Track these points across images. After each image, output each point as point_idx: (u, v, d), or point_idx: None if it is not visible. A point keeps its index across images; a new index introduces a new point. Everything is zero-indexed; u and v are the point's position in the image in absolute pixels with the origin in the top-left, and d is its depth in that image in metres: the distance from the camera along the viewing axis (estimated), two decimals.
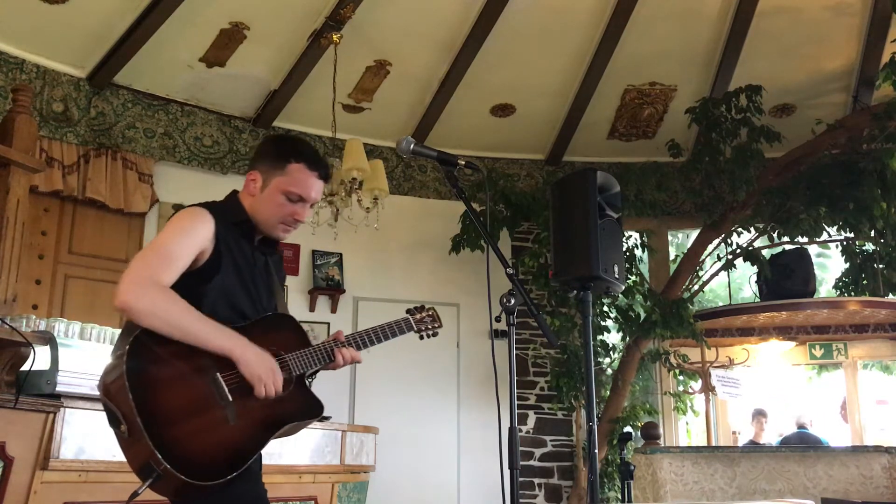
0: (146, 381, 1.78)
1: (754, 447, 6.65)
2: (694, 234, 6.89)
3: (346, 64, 5.82)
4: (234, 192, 2.19)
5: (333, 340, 2.18)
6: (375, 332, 2.27)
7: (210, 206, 2.07)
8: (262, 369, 1.91)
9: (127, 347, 1.80)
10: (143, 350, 1.81)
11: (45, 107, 5.50)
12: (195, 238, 1.97)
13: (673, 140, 6.40)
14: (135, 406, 1.74)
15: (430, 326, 2.43)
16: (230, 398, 1.87)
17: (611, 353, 6.35)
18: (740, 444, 7.24)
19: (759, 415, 7.28)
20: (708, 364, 6.46)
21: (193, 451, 1.78)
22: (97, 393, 2.87)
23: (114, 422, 1.81)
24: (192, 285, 1.94)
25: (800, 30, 6.04)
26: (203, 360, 1.87)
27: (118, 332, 3.27)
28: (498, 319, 2.12)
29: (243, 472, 1.83)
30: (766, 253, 6.46)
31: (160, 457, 1.71)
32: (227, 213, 2.09)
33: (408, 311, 2.43)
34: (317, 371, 2.15)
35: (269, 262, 2.19)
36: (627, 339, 6.36)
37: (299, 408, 2.03)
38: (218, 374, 1.88)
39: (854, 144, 6.15)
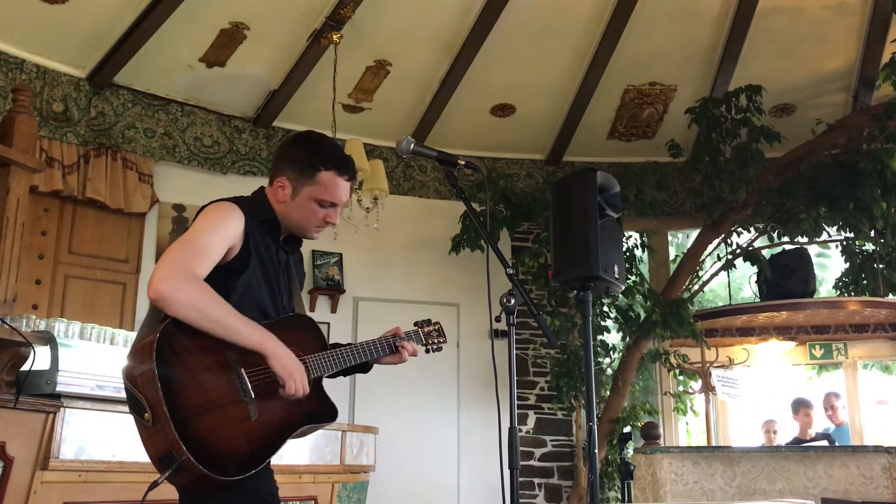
0: (174, 373, 1.79)
1: (761, 447, 6.62)
2: (694, 234, 6.89)
3: (346, 64, 5.82)
4: (262, 189, 2.19)
5: (394, 336, 2.30)
6: (387, 340, 2.29)
7: (239, 202, 2.08)
8: (294, 365, 1.95)
9: (157, 336, 1.80)
10: (172, 341, 1.82)
11: (45, 107, 5.50)
12: (227, 232, 1.99)
13: (673, 140, 6.39)
14: (163, 396, 1.74)
15: (436, 340, 2.45)
16: (252, 395, 1.88)
17: (611, 353, 6.35)
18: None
19: (802, 406, 6.52)
20: (708, 364, 6.46)
21: (215, 444, 1.79)
22: (97, 393, 2.90)
23: (137, 409, 1.81)
24: (219, 280, 1.94)
25: (800, 30, 6.04)
26: (228, 354, 1.89)
27: (118, 332, 3.30)
28: (498, 319, 2.12)
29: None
30: (766, 253, 6.45)
31: (184, 448, 1.72)
32: (256, 210, 2.10)
33: (416, 324, 2.45)
34: (345, 372, 2.25)
35: (290, 260, 2.22)
36: (627, 339, 6.36)
37: (316, 410, 2.05)
38: (242, 370, 1.89)
39: (854, 144, 6.15)
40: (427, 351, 2.44)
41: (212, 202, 2.07)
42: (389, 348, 2.28)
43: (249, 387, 1.88)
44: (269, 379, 1.93)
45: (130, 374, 1.84)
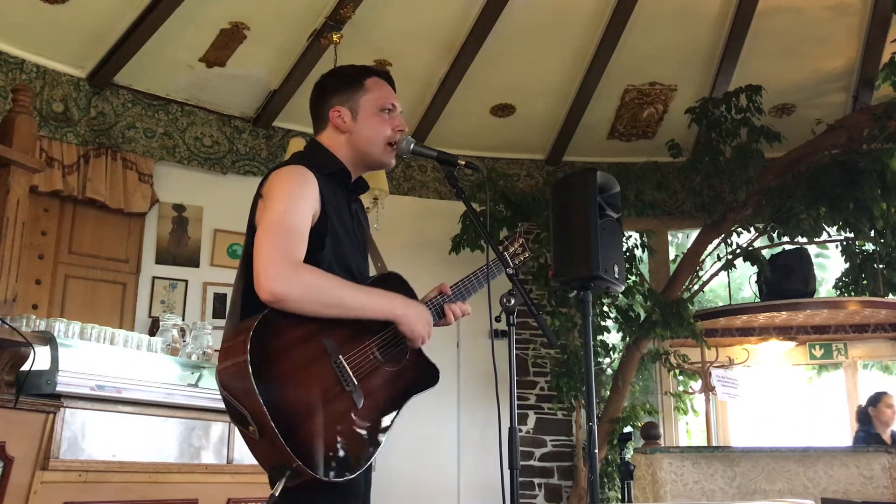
0: (274, 380, 1.69)
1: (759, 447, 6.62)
2: (694, 234, 6.89)
3: (346, 64, 5.81)
4: (314, 141, 2.09)
5: (440, 294, 2.16)
6: (471, 280, 2.25)
7: (304, 161, 1.96)
8: (422, 325, 1.93)
9: (249, 346, 1.68)
10: (264, 344, 1.71)
11: (45, 107, 5.50)
12: (308, 201, 1.87)
13: (673, 140, 6.39)
14: (267, 410, 1.64)
15: (522, 260, 2.42)
16: (356, 382, 1.80)
17: (611, 353, 6.35)
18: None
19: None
20: (708, 364, 6.46)
21: (327, 446, 1.72)
22: (97, 393, 2.90)
23: (240, 421, 1.72)
24: (309, 253, 1.84)
25: (800, 30, 6.04)
26: (324, 342, 1.80)
27: (118, 332, 3.29)
28: (498, 319, 2.12)
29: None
30: (766, 253, 6.45)
31: (297, 460, 1.64)
32: (322, 164, 1.99)
33: (500, 246, 2.26)
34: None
35: (358, 210, 2.14)
36: (627, 339, 6.36)
37: (419, 377, 1.99)
38: (341, 356, 1.80)
39: (854, 144, 6.14)
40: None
41: (277, 168, 1.95)
42: (437, 313, 2.13)
43: (351, 374, 1.80)
44: (369, 359, 1.87)
45: (228, 386, 1.73)
